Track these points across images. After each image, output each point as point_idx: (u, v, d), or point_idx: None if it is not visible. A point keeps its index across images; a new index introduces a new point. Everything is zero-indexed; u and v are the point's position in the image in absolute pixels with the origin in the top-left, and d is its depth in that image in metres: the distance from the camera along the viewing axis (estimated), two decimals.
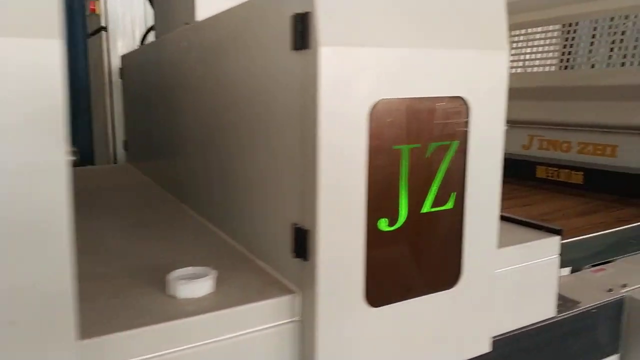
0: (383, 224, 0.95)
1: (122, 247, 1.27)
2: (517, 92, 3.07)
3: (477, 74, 1.00)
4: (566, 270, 1.64)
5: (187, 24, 1.64)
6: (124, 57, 2.70)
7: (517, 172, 3.09)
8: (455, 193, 1.02)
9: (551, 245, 1.28)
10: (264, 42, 1.03)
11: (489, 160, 1.05)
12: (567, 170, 2.74)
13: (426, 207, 0.99)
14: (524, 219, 1.39)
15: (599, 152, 2.63)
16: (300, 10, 0.86)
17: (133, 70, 2.38)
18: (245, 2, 1.12)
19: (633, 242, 1.92)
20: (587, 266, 1.72)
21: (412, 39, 0.92)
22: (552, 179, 2.83)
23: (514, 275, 1.23)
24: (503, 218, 1.42)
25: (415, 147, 0.96)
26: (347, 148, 0.88)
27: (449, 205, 1.02)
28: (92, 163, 3.41)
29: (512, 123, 3.17)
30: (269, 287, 0.96)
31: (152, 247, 1.25)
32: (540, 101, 2.93)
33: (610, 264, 1.74)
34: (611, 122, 2.59)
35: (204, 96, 1.41)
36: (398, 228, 0.96)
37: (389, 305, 0.98)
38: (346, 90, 0.86)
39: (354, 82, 0.87)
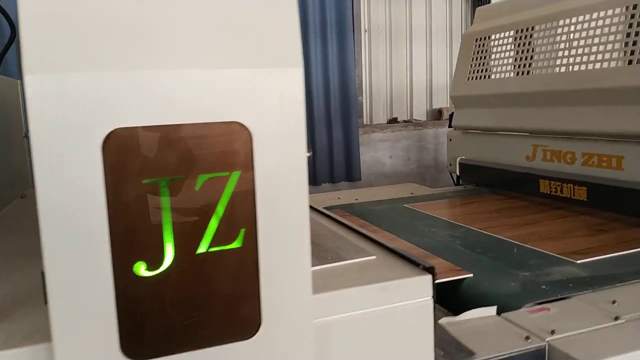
0: (140, 268, 0.84)
1: None
2: (519, 98, 2.80)
3: (259, 95, 0.86)
4: (492, 310, 1.43)
5: None
6: None
7: (520, 186, 2.81)
8: (244, 230, 0.89)
9: (417, 285, 1.10)
10: None
11: (289, 191, 0.91)
12: (570, 185, 2.44)
13: (203, 247, 0.87)
14: (403, 252, 1.21)
15: (604, 164, 2.32)
16: None
17: None
18: None
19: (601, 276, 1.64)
20: (529, 304, 1.48)
21: (161, 60, 0.81)
22: (556, 194, 2.53)
23: (366, 322, 1.06)
24: (387, 248, 1.26)
25: (178, 179, 0.84)
26: (81, 186, 0.79)
27: (237, 244, 0.89)
28: None
29: (516, 132, 2.89)
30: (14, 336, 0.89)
31: None
32: (542, 107, 2.63)
33: (560, 302, 1.49)
34: (616, 130, 2.27)
35: None
36: (163, 272, 0.85)
37: (160, 359, 0.87)
38: (66, 121, 0.77)
39: (75, 112, 0.77)
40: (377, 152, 5.44)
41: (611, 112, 2.28)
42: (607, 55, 2.33)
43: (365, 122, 5.51)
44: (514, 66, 2.90)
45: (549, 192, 2.56)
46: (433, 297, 1.11)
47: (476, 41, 3.13)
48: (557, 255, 1.85)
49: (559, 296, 1.52)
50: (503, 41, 3.01)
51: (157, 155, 0.83)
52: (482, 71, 3.11)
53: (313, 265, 1.17)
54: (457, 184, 3.55)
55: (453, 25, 5.33)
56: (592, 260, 1.80)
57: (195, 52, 0.83)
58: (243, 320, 0.92)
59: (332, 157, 5.13)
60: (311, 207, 1.69)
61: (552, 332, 1.28)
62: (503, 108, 2.92)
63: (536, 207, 2.62)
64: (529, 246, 1.98)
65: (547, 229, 2.22)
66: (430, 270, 1.11)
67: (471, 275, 1.70)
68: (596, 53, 2.38)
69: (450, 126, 4.04)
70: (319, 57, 4.92)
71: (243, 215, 0.89)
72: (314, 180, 5.08)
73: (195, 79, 0.83)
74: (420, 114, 5.69)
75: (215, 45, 0.84)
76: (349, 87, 5.11)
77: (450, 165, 3.39)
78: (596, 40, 2.39)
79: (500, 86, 2.96)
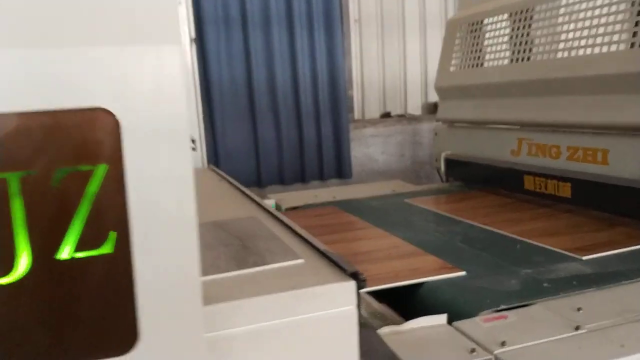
0: None
1: None
2: (504, 88, 2.66)
3: (126, 77, 0.74)
4: (443, 319, 1.30)
5: None
6: None
7: (505, 182, 2.67)
8: (115, 233, 0.77)
9: (338, 293, 0.97)
10: None
11: (170, 189, 0.79)
12: (554, 181, 2.30)
13: (66, 252, 0.75)
14: (333, 256, 1.09)
15: (589, 158, 2.17)
16: None
17: None
18: None
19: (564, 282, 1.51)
20: (487, 311, 1.36)
21: (3, 37, 0.69)
22: (540, 191, 2.39)
23: (277, 334, 0.94)
24: (321, 252, 1.14)
25: (30, 174, 0.73)
26: None
27: (107, 249, 0.77)
28: None
29: (502, 124, 2.75)
30: None
31: None
32: (527, 98, 2.49)
33: (522, 309, 1.36)
34: (601, 120, 2.13)
35: None
36: (18, 281, 0.74)
37: None
38: None
39: None
40: (368, 148, 5.30)
41: (597, 102, 2.13)
42: (591, 41, 2.18)
43: (356, 117, 5.37)
44: (497, 54, 2.75)
45: (533, 189, 2.42)
46: (358, 306, 0.99)
47: (460, 28, 2.99)
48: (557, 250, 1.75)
49: (521, 303, 1.39)
50: (487, 27, 2.86)
51: (5, 147, 0.71)
52: (466, 60, 2.97)
53: (232, 270, 1.05)
54: (444, 181, 3.42)
55: (448, 15, 5.16)
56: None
57: (45, 27, 0.71)
58: (116, 335, 0.80)
59: (321, 153, 5.00)
60: (262, 207, 1.60)
61: (503, 344, 1.15)
62: (488, 99, 2.78)
63: (519, 204, 2.48)
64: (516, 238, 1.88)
65: (535, 227, 2.09)
66: (354, 275, 0.99)
67: (463, 273, 1.61)
68: (579, 38, 2.23)
69: None
70: (306, 48, 4.79)
71: (113, 217, 0.77)
72: (302, 177, 4.96)
73: (47, 58, 0.71)
74: (414, 108, 5.55)
75: (69, 18, 0.72)
76: (338, 80, 4.97)
77: (436, 160, 3.26)
78: (580, 24, 2.24)
79: (485, 76, 2.82)
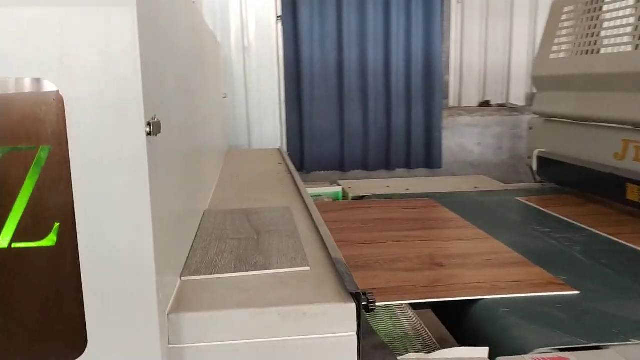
0: None
1: None
2: (613, 80, 2.27)
3: (70, 44, 0.63)
4: (484, 352, 1.09)
5: None
6: None
7: (603, 189, 2.31)
8: (58, 224, 0.68)
9: (335, 315, 0.81)
10: None
11: (121, 176, 0.67)
12: None
13: (4, 242, 0.67)
14: (341, 267, 0.92)
15: None
16: None
17: None
18: None
19: None
20: (546, 349, 1.12)
21: None
22: None
23: (260, 355, 0.80)
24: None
25: None
26: None
27: (49, 241, 0.68)
28: None
29: (606, 122, 2.36)
30: None
31: None
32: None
33: (590, 352, 1.11)
34: None
35: None
36: None
37: None
38: None
39: None
40: (463, 137, 4.94)
41: None
42: None
43: (451, 104, 5.03)
44: (613, 40, 2.36)
45: (638, 200, 2.05)
46: (358, 333, 0.82)
47: (565, 11, 2.61)
48: None
49: (592, 344, 1.14)
50: (598, 10, 2.46)
51: None
52: (572, 46, 2.59)
53: (227, 271, 0.94)
54: (536, 181, 3.06)
55: None
56: None
57: None
58: (61, 339, 0.71)
59: (409, 140, 4.74)
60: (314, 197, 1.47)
61: None
62: (593, 92, 2.40)
63: (617, 215, 2.13)
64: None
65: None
66: (357, 296, 0.82)
67: (576, 292, 1.37)
68: None
69: None
70: (402, 29, 4.52)
71: (57, 205, 0.67)
72: (387, 164, 4.74)
73: None
74: (517, 98, 5.08)
75: None
76: (434, 64, 4.66)
77: (529, 158, 2.92)
78: None
79: (593, 64, 2.43)
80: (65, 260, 0.68)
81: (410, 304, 1.47)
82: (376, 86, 4.64)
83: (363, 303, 0.85)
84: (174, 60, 0.97)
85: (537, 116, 2.90)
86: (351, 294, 0.83)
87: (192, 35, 1.26)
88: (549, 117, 2.77)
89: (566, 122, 2.62)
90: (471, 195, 2.57)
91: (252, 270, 0.94)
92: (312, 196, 2.62)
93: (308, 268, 0.96)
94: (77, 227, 0.67)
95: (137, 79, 0.65)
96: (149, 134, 0.66)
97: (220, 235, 1.15)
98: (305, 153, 4.58)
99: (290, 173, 1.97)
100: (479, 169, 4.94)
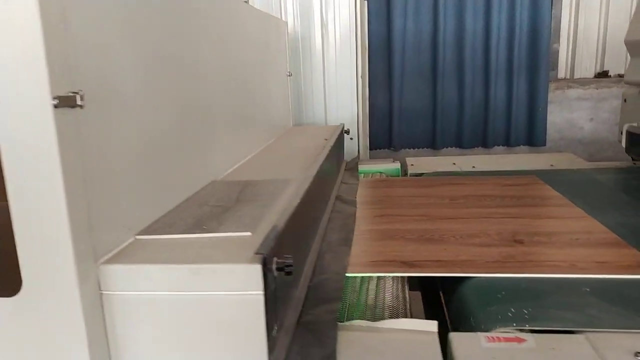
0: None
1: None
2: None
3: None
4: (432, 325, 1.08)
5: None
6: None
7: None
8: None
9: (241, 275, 0.88)
10: None
11: (33, 143, 0.80)
12: None
13: None
14: (272, 233, 0.97)
15: None
16: None
17: None
18: None
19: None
20: (508, 328, 1.08)
21: None
22: None
23: (176, 305, 0.91)
24: None
25: None
26: None
27: None
28: None
29: None
30: None
31: None
32: None
33: (553, 336, 1.05)
34: None
35: None
36: None
37: None
38: None
39: None
40: (572, 113, 4.53)
41: None
42: None
43: (561, 76, 4.63)
44: None
45: None
46: (265, 292, 0.89)
47: None
48: None
49: (565, 328, 1.07)
50: None
51: None
52: None
53: (174, 232, 1.05)
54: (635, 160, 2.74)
55: None
56: None
57: None
58: (5, 276, 0.87)
59: (509, 116, 4.47)
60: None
61: None
62: None
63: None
64: None
65: None
66: (263, 259, 0.88)
67: None
68: None
69: None
70: None
71: None
72: (484, 141, 4.53)
73: None
74: None
75: None
76: (541, 32, 4.30)
77: (621, 133, 2.63)
78: None
79: None
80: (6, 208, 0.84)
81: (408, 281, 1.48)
82: (474, 59, 4.43)
83: (274, 266, 0.91)
84: (139, 36, 1.08)
85: (631, 86, 2.60)
86: (262, 256, 0.89)
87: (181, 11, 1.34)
88: None
89: None
90: (566, 173, 2.40)
91: (197, 233, 1.04)
92: (366, 173, 2.66)
93: (249, 233, 1.04)
94: (6, 181, 0.82)
95: (40, 42, 0.75)
96: (56, 106, 0.78)
97: (203, 202, 1.27)
98: (394, 130, 4.54)
99: (329, 148, 2.02)
100: (590, 147, 4.51)
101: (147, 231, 1.06)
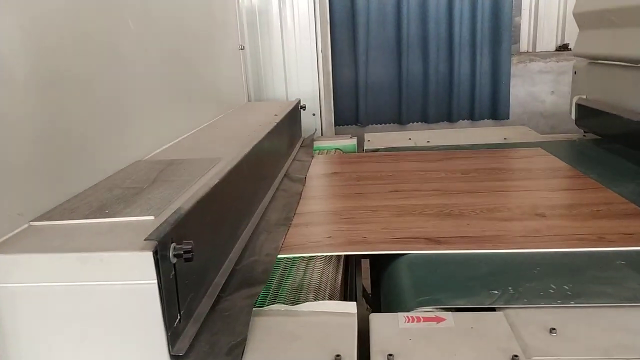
0: None
1: None
2: None
3: None
4: (353, 307, 1.04)
5: None
6: None
7: (633, 142, 2.04)
8: None
9: (132, 263, 0.82)
10: None
11: None
12: None
13: None
14: (173, 217, 0.92)
15: None
16: None
17: None
18: None
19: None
20: (429, 308, 1.05)
21: None
22: None
23: (65, 297, 0.85)
24: None
25: None
26: None
27: None
28: None
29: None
30: None
31: None
32: None
33: (477, 314, 1.02)
34: None
35: None
36: None
37: None
38: None
39: None
40: (534, 86, 4.52)
41: None
42: None
43: (523, 49, 4.61)
44: None
45: None
46: (160, 281, 0.83)
47: None
48: None
49: (487, 305, 1.04)
50: None
51: None
52: None
53: (78, 218, 0.98)
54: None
55: None
56: None
57: None
58: None
59: (473, 89, 4.44)
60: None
61: (390, 356, 0.88)
62: (631, 28, 2.08)
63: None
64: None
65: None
66: (155, 245, 0.83)
67: None
68: None
69: None
70: None
71: None
72: (449, 116, 4.51)
73: None
74: None
75: None
76: (503, 5, 4.26)
77: (572, 105, 2.62)
78: None
79: None
80: None
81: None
82: (438, 32, 4.37)
83: (171, 252, 0.85)
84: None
85: (580, 59, 2.58)
86: (155, 242, 0.83)
87: None
88: (592, 60, 2.45)
89: (607, 64, 2.31)
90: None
91: (98, 218, 0.98)
92: (321, 150, 2.61)
93: (152, 217, 0.98)
94: None
95: None
96: None
97: (116, 184, 1.20)
98: (360, 106, 4.48)
99: (273, 125, 1.96)
100: (551, 120, 4.53)
101: (44, 217, 0.99)
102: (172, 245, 0.87)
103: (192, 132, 1.85)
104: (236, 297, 1.08)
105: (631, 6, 1.98)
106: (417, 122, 4.60)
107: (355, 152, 2.65)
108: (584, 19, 2.43)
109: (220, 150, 1.55)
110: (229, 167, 1.28)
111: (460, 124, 4.54)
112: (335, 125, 4.29)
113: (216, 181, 1.16)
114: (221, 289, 1.10)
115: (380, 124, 4.59)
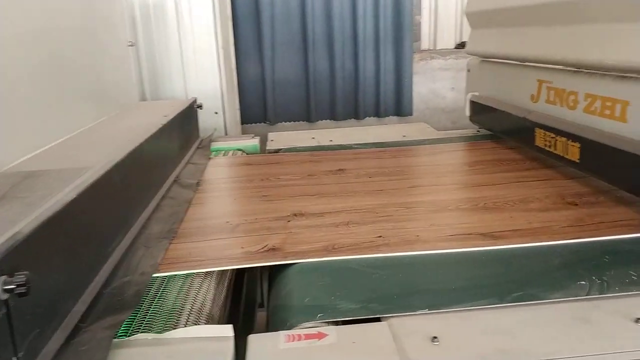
0: None
1: None
2: (531, 13, 2.00)
3: None
4: (229, 330, 0.95)
5: None
6: None
7: (518, 135, 2.11)
8: None
9: None
10: None
11: None
12: (564, 140, 1.76)
13: None
14: None
15: (607, 111, 1.60)
16: None
17: None
18: None
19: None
20: (313, 322, 0.99)
21: None
22: (549, 149, 1.85)
23: None
24: None
25: None
26: None
27: None
28: None
29: (526, 61, 2.11)
30: None
31: None
32: (551, 27, 1.88)
33: (361, 325, 0.97)
34: (627, 60, 1.52)
35: None
36: None
37: None
38: None
39: None
40: (435, 83, 4.66)
41: (623, 33, 1.49)
42: None
43: (424, 47, 4.73)
44: None
45: (543, 146, 1.85)
46: None
47: None
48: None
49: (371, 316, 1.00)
50: None
51: None
52: None
53: None
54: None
55: None
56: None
57: None
58: None
59: (378, 87, 4.50)
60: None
61: None
62: (516, 27, 2.15)
63: (523, 163, 1.94)
64: None
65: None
66: None
67: None
68: None
69: None
70: None
71: None
72: (356, 114, 4.53)
73: None
74: None
75: None
76: (404, 4, 4.34)
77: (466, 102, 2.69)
78: None
79: None
80: None
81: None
82: (343, 29, 4.37)
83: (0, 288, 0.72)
84: None
85: (473, 57, 2.65)
86: None
87: None
88: (483, 58, 2.53)
89: (497, 62, 2.38)
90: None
91: None
92: (219, 151, 2.49)
93: None
94: None
95: None
96: None
97: None
98: (268, 103, 4.38)
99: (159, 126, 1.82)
100: (452, 115, 4.68)
101: None
102: (3, 278, 0.74)
103: (65, 138, 1.67)
104: (97, 327, 0.96)
105: (517, 6, 2.05)
106: (326, 119, 4.59)
107: (257, 152, 2.56)
108: (475, 19, 2.49)
109: (92, 158, 1.40)
110: (92, 179, 1.15)
111: (367, 121, 4.59)
112: (242, 124, 4.17)
113: (73, 196, 1.02)
114: (81, 318, 0.97)
115: (290, 122, 4.52)
